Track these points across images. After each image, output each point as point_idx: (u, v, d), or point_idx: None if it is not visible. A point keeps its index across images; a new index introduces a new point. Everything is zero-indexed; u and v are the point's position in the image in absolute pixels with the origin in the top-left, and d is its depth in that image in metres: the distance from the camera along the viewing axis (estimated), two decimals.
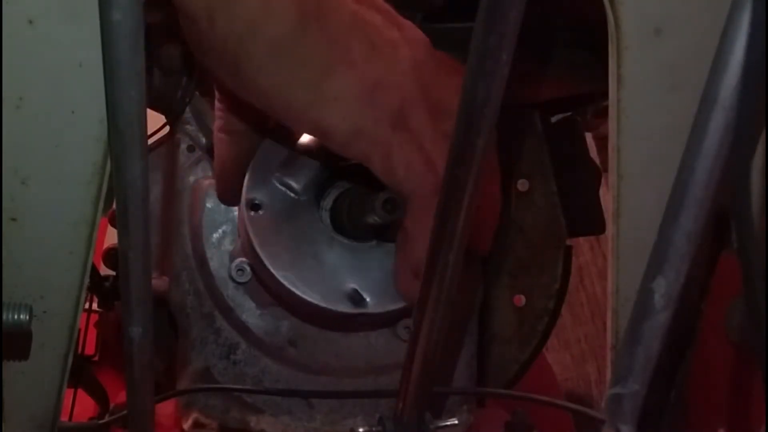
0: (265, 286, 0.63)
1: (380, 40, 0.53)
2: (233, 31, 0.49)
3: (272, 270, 0.59)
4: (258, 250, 0.59)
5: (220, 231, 0.65)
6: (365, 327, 0.65)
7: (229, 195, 0.64)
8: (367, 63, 0.52)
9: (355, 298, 0.60)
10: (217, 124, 0.61)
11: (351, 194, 0.61)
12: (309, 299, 0.59)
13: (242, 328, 0.65)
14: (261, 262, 0.59)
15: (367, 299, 0.60)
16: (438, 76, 0.55)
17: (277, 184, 0.60)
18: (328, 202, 0.62)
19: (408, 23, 0.56)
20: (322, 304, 0.59)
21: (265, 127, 0.61)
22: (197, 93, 0.68)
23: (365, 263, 0.61)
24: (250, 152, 0.61)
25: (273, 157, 0.61)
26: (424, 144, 0.54)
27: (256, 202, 0.60)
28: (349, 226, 0.61)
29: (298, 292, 0.59)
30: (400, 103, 0.53)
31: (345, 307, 0.59)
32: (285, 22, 0.50)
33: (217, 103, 0.60)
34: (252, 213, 0.59)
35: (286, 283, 0.59)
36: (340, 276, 0.60)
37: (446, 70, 0.56)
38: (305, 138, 0.61)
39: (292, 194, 0.61)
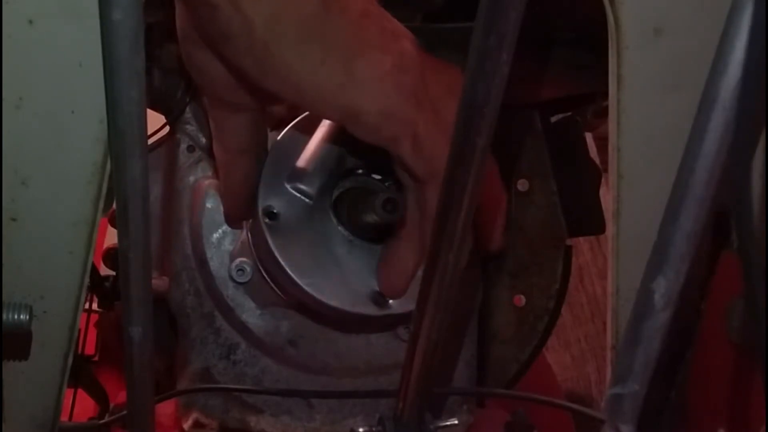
0: (285, 292, 0.63)
1: (385, 27, 0.54)
2: (260, 14, 0.49)
3: (296, 278, 0.58)
4: (280, 259, 0.58)
5: (220, 231, 0.65)
6: (384, 327, 0.65)
7: (240, 216, 0.63)
8: (383, 46, 0.52)
9: (378, 300, 0.60)
10: (223, 144, 0.59)
11: (351, 194, 0.61)
12: (336, 305, 0.59)
13: (242, 328, 0.65)
14: (283, 270, 0.59)
15: (390, 300, 0.60)
16: (430, 66, 0.55)
17: (291, 191, 0.60)
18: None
19: (394, 19, 0.56)
20: (349, 309, 0.59)
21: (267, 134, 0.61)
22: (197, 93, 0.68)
23: None
24: (261, 166, 0.60)
25: (284, 163, 0.60)
26: (440, 123, 0.54)
27: (274, 210, 0.59)
28: (349, 226, 0.61)
29: (323, 299, 0.58)
30: (414, 85, 0.53)
31: (370, 310, 0.59)
32: (310, 2, 0.49)
33: (215, 123, 0.59)
34: (269, 221, 0.59)
35: (311, 290, 0.58)
36: (361, 279, 0.60)
37: (435, 68, 0.56)
38: (312, 143, 0.61)
39: (306, 199, 0.60)
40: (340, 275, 0.59)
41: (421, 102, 0.53)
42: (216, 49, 0.53)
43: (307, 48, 0.50)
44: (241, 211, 0.63)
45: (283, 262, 0.58)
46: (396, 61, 0.52)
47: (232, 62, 0.52)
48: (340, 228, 0.61)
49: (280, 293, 0.64)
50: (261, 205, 0.59)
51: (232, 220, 0.65)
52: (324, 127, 0.60)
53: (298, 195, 0.60)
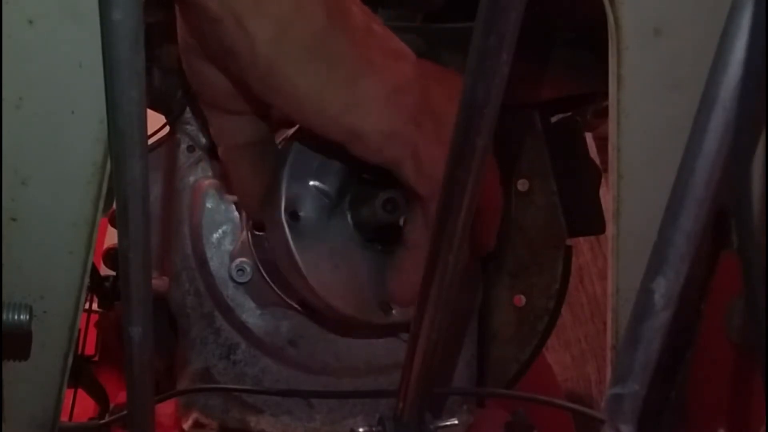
0: (291, 293, 0.62)
1: (387, 47, 0.53)
2: (264, 31, 0.48)
3: (311, 282, 0.58)
4: (300, 263, 0.57)
5: (220, 231, 0.65)
6: (386, 334, 0.65)
7: (260, 213, 0.61)
8: (385, 67, 0.52)
9: (384, 308, 0.59)
10: (224, 142, 0.59)
11: (352, 194, 0.61)
12: (348, 312, 0.58)
13: (242, 328, 0.65)
14: (299, 272, 0.58)
15: (393, 308, 0.59)
16: (433, 78, 0.55)
17: (314, 191, 0.59)
18: None
19: (396, 37, 0.56)
20: (359, 317, 0.59)
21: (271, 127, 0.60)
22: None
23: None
24: (269, 158, 0.59)
25: (308, 162, 0.59)
26: (443, 140, 0.54)
27: (298, 211, 0.58)
28: (362, 229, 0.60)
29: (337, 306, 0.58)
30: (415, 106, 0.53)
31: (377, 318, 0.59)
32: (316, 20, 0.49)
33: (213, 124, 0.58)
34: (292, 222, 0.58)
35: (324, 295, 0.58)
36: (372, 285, 0.59)
37: (437, 77, 0.56)
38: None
39: (327, 200, 0.59)
40: (353, 281, 0.59)
41: (423, 122, 0.53)
42: (219, 63, 0.52)
43: (311, 67, 0.49)
44: (261, 208, 0.61)
45: (301, 265, 0.57)
46: (398, 82, 0.52)
47: (236, 76, 0.52)
48: (355, 232, 0.60)
49: (280, 293, 0.64)
50: (285, 204, 0.58)
51: (258, 221, 0.63)
52: None
53: (320, 195, 0.59)
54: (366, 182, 0.59)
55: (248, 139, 0.58)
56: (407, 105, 0.52)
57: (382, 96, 0.51)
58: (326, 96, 0.50)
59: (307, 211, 0.58)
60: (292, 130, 0.60)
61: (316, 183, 0.59)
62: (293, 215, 0.58)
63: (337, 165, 0.59)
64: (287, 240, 0.57)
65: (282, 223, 0.57)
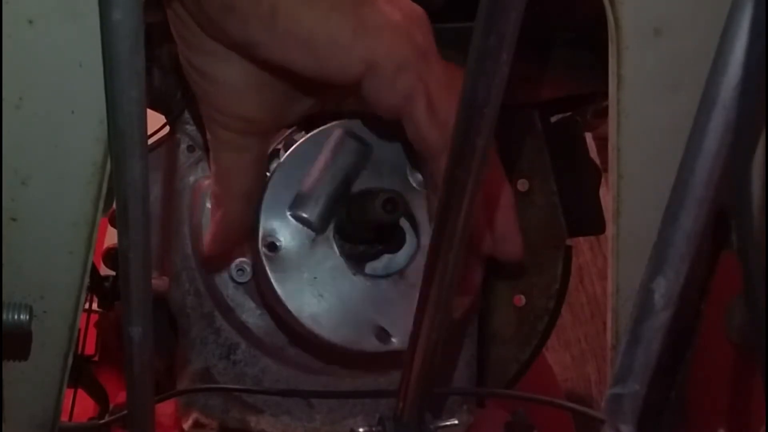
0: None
1: None
2: None
3: (296, 314, 0.58)
4: (280, 294, 0.57)
5: None
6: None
7: (222, 261, 0.62)
8: (392, 4, 0.52)
9: (381, 336, 0.59)
10: (225, 187, 0.57)
11: (336, 222, 0.60)
12: (334, 341, 0.58)
13: (242, 328, 0.65)
14: (283, 305, 0.58)
15: (393, 336, 0.59)
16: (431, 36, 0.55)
17: (293, 220, 0.58)
18: None
19: None
20: (348, 346, 0.58)
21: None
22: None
23: (388, 298, 0.59)
24: (255, 210, 0.59)
25: (285, 192, 0.58)
26: (450, 88, 0.53)
27: (276, 243, 0.58)
28: (350, 231, 0.60)
29: (321, 333, 0.58)
30: (424, 44, 0.52)
31: (372, 346, 0.59)
32: None
33: (218, 164, 0.57)
34: (270, 253, 0.58)
35: (309, 324, 0.58)
36: (364, 313, 0.59)
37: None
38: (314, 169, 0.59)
39: (308, 229, 0.58)
40: (342, 309, 0.58)
41: (431, 63, 0.52)
42: (219, 27, 0.51)
43: None
44: (225, 256, 0.62)
45: (283, 298, 0.58)
46: (406, 15, 0.52)
47: (236, 37, 0.51)
48: (343, 259, 0.59)
49: None
50: (262, 235, 0.58)
51: (211, 264, 0.63)
52: (325, 152, 0.59)
53: (299, 224, 0.58)
54: (353, 210, 0.58)
55: (249, 185, 0.57)
56: (418, 39, 0.52)
57: (390, 24, 0.51)
58: (333, 22, 0.50)
59: (286, 241, 0.58)
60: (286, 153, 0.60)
61: (296, 212, 0.58)
62: (271, 246, 0.58)
63: (319, 193, 0.58)
64: (266, 271, 0.58)
65: (260, 255, 0.58)
